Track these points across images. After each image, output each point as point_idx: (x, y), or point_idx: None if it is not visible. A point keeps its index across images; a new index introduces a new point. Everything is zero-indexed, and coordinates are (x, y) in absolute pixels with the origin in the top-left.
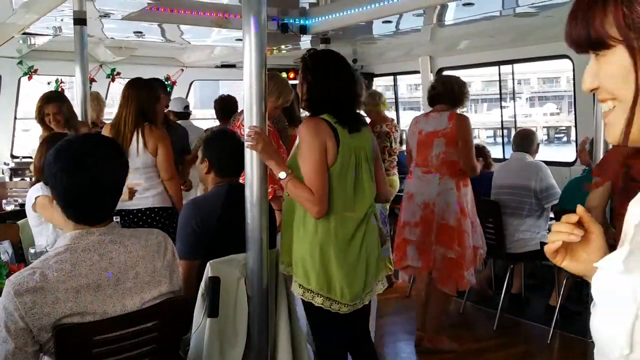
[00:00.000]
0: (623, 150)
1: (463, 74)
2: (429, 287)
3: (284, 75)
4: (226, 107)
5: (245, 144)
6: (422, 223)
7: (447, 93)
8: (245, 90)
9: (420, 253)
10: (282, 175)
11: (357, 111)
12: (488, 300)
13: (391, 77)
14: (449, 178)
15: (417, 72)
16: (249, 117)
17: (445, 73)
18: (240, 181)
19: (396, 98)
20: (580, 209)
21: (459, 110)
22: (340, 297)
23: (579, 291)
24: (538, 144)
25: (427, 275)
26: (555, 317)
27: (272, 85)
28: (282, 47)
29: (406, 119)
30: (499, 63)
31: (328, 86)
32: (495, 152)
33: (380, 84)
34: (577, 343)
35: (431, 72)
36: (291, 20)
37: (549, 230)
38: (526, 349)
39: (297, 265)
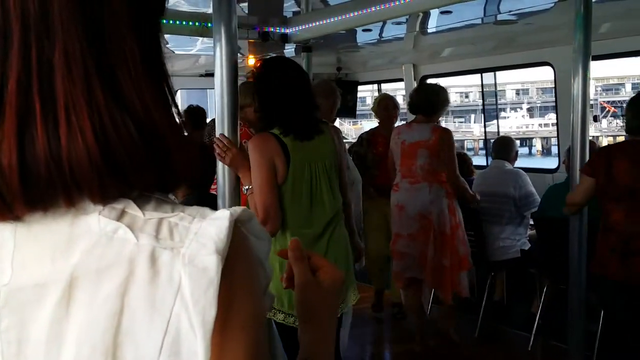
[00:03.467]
0: (609, 150)
1: (461, 84)
2: (423, 297)
3: None
4: (194, 118)
5: (216, 154)
6: (420, 235)
7: (425, 102)
8: (217, 100)
9: (422, 265)
10: (245, 188)
11: (316, 117)
12: (470, 307)
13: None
14: (438, 186)
15: (401, 79)
16: (220, 127)
17: (430, 81)
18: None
19: None
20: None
21: (442, 120)
22: None
23: (560, 298)
24: (517, 152)
25: (430, 287)
26: (536, 324)
27: (245, 91)
28: (266, 55)
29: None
30: (481, 70)
31: (275, 95)
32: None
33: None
34: (558, 350)
35: (415, 79)
36: (272, 29)
37: (529, 237)
38: (507, 356)
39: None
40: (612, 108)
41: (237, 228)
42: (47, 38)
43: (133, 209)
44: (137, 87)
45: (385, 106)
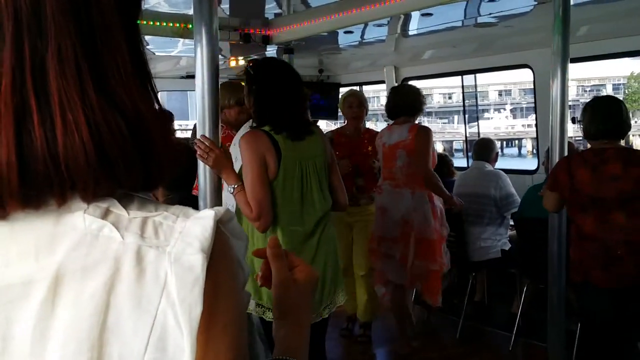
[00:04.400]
0: (569, 162)
1: (444, 85)
2: (407, 300)
3: None
4: None
5: (197, 156)
6: (402, 239)
7: (406, 104)
8: (198, 101)
9: (404, 269)
10: (230, 188)
11: (306, 118)
12: (451, 308)
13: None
14: (420, 191)
15: (383, 82)
16: (202, 128)
17: (411, 83)
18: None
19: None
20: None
21: (417, 120)
22: None
23: (540, 298)
24: (497, 153)
25: (411, 290)
26: (517, 323)
27: (225, 92)
28: (249, 57)
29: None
30: (461, 73)
31: (272, 94)
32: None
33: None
34: (538, 350)
35: (396, 82)
36: (254, 31)
37: (510, 237)
38: (489, 356)
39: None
40: None
41: (218, 228)
42: (39, 36)
43: (117, 208)
44: (127, 84)
45: (349, 104)
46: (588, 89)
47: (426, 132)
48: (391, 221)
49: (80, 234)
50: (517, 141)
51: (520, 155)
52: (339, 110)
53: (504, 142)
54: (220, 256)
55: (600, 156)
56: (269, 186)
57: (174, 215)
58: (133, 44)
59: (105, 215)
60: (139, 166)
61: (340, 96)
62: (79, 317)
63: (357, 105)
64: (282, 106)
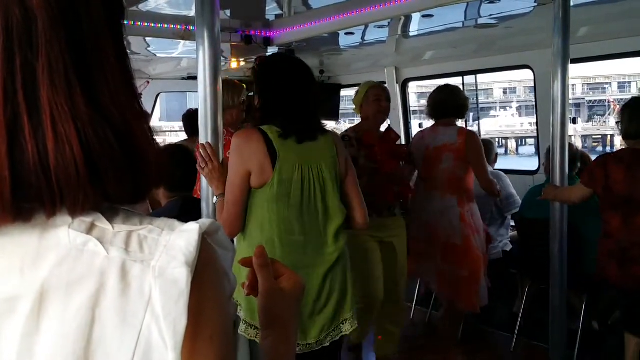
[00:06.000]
0: (606, 159)
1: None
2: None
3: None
4: (196, 121)
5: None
6: (427, 241)
7: (457, 105)
8: (200, 104)
9: (435, 274)
10: (214, 198)
11: (317, 120)
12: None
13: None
14: (451, 196)
15: (384, 82)
16: (204, 133)
17: (412, 84)
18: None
19: None
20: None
21: (459, 122)
22: None
23: (542, 299)
24: (496, 154)
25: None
26: (518, 324)
27: (226, 94)
28: (249, 58)
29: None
30: (462, 73)
31: (277, 93)
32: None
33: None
34: (540, 350)
35: (397, 82)
36: (255, 32)
37: (511, 238)
38: (490, 357)
39: (240, 297)
40: (618, 106)
41: (204, 240)
42: (30, 49)
43: (102, 222)
44: (115, 96)
45: (376, 97)
46: (593, 88)
47: (477, 138)
48: (421, 223)
49: (65, 249)
50: (531, 139)
51: (537, 153)
52: (356, 106)
53: (519, 141)
54: (205, 268)
55: (637, 156)
56: (247, 195)
57: (158, 229)
58: (120, 55)
59: (90, 229)
60: (127, 178)
61: (356, 91)
62: (64, 332)
63: (386, 98)
64: (286, 105)
